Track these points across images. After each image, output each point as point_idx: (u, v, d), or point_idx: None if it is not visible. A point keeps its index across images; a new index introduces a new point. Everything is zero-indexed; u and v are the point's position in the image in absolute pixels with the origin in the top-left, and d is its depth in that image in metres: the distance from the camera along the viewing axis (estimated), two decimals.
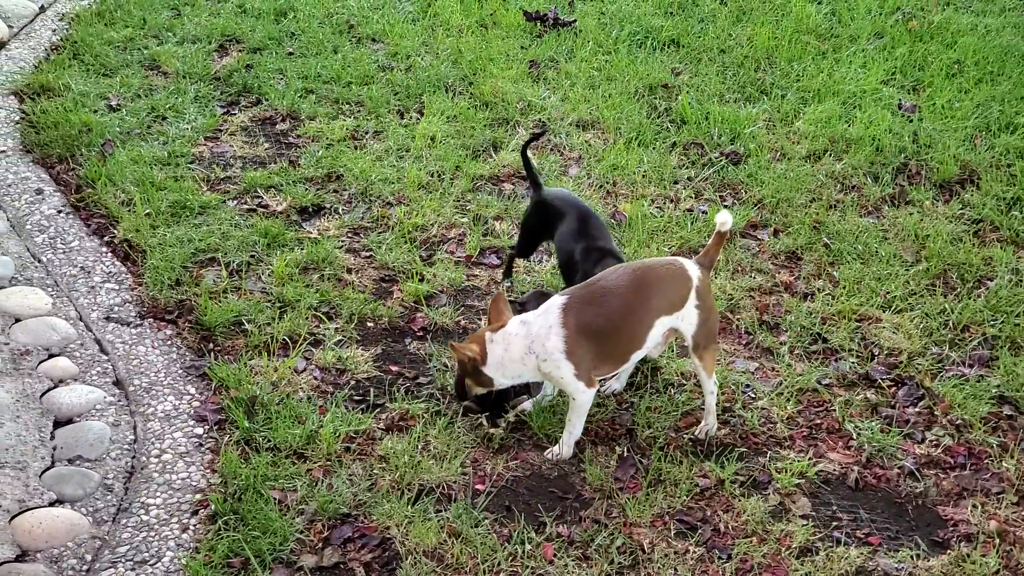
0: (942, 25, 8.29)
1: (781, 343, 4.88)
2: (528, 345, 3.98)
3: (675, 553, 3.76)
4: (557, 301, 4.02)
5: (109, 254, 5.35)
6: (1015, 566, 3.74)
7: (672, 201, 5.96)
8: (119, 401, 4.44)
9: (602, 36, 7.95)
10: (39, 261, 5.22)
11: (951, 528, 3.92)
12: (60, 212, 5.63)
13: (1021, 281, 5.29)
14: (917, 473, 4.16)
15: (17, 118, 6.50)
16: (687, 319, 4.12)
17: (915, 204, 6.01)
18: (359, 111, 6.82)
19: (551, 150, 6.43)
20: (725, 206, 5.89)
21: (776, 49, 7.79)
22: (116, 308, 4.98)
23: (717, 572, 3.69)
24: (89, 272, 5.20)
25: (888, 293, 5.19)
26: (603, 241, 4.69)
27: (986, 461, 4.23)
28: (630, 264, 4.21)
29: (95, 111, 6.52)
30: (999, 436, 4.36)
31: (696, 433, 4.32)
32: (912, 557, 3.77)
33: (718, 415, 4.36)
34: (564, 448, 4.17)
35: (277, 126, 6.63)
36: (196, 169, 6.05)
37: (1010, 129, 6.72)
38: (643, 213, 5.73)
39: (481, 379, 4.10)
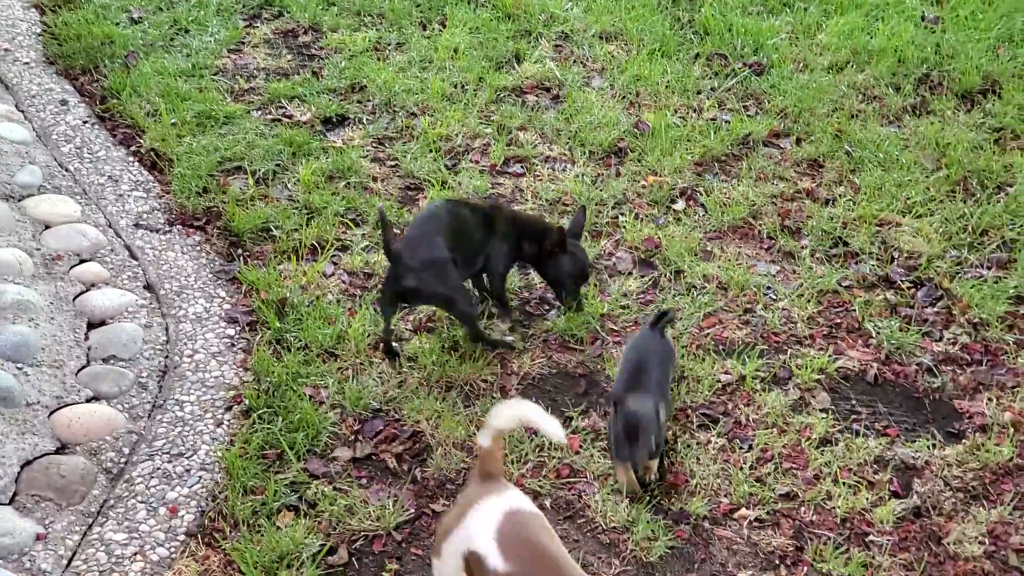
0: None
1: (802, 247, 4.92)
2: None
3: (697, 443, 3.86)
4: None
5: (136, 163, 5.41)
6: None
7: (695, 111, 5.96)
8: (150, 304, 4.53)
9: None
10: (67, 170, 5.28)
11: (967, 420, 4.01)
12: (85, 123, 5.68)
13: None
14: (935, 369, 4.23)
15: (39, 31, 6.50)
16: None
17: (936, 113, 5.99)
18: (381, 23, 6.79)
19: (574, 62, 6.42)
20: (748, 115, 5.89)
21: None
22: (145, 215, 5.05)
23: (739, 460, 3.78)
24: (117, 180, 5.26)
25: (908, 199, 5.21)
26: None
27: (1002, 357, 4.30)
28: None
29: (117, 23, 6.52)
30: (1015, 334, 4.42)
31: None
32: (929, 447, 3.87)
33: (739, 315, 4.41)
34: None
35: (299, 38, 6.62)
36: (220, 80, 6.07)
37: None
38: (666, 123, 5.73)
39: None
